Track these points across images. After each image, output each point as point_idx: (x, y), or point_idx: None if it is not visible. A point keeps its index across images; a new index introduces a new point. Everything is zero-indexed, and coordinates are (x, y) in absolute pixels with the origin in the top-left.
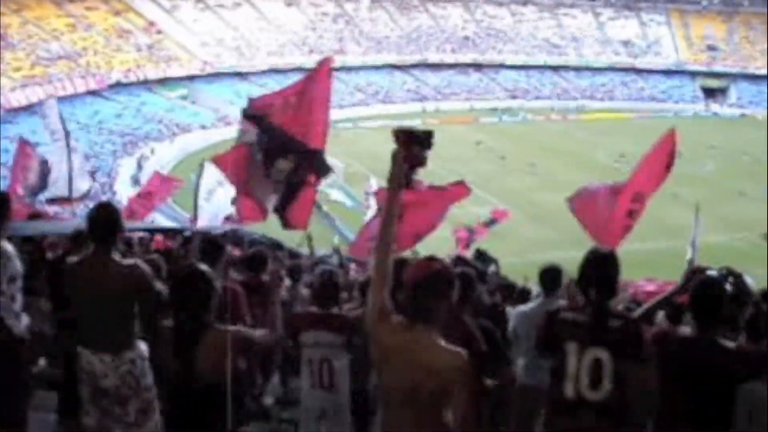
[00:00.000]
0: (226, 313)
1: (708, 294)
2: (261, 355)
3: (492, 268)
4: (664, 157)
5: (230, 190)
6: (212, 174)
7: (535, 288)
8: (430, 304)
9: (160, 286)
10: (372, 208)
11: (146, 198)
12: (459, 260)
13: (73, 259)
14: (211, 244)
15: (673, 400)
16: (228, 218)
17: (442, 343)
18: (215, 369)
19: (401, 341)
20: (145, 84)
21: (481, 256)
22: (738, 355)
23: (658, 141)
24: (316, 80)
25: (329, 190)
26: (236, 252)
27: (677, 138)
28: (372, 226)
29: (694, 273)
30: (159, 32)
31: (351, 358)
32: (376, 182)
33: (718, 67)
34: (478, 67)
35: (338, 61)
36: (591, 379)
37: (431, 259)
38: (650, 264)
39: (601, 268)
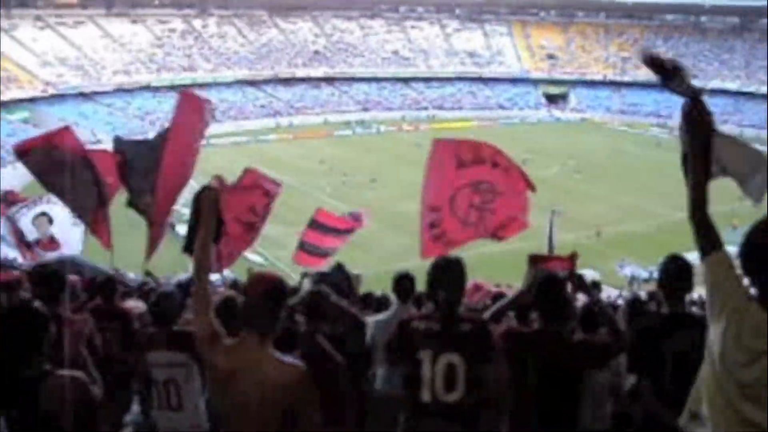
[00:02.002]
0: (78, 348)
1: (550, 290)
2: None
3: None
4: (444, 168)
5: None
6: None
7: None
8: (275, 314)
9: None
10: None
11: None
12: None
13: None
14: (50, 275)
15: (524, 393)
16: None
17: (280, 356)
18: (62, 418)
19: (239, 361)
20: None
21: (341, 268)
22: (581, 347)
23: (432, 154)
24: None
25: (185, 210)
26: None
27: (460, 145)
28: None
29: (537, 273)
30: None
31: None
32: None
33: (558, 75)
34: (329, 80)
35: (188, 78)
36: (446, 383)
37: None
38: (507, 265)
39: (447, 274)
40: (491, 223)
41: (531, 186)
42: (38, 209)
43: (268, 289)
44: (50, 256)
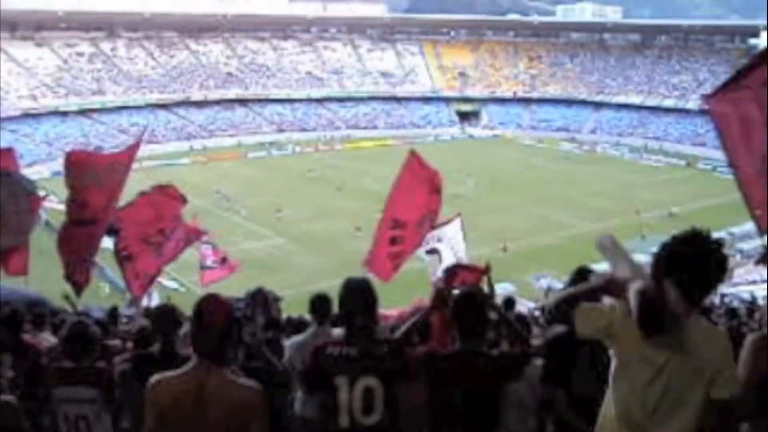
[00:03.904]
0: None
1: (467, 308)
2: None
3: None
4: (417, 182)
5: None
6: None
7: None
8: (232, 338)
9: None
10: None
11: None
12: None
13: None
14: None
15: (446, 413)
16: None
17: (235, 377)
18: None
19: (190, 390)
20: None
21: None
22: (499, 360)
23: (403, 167)
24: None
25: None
26: None
27: (427, 161)
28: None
29: (442, 292)
30: None
31: (114, 414)
32: None
33: (469, 93)
34: (243, 102)
35: (97, 102)
36: (364, 407)
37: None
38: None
39: (358, 297)
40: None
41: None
42: None
43: (227, 314)
44: None
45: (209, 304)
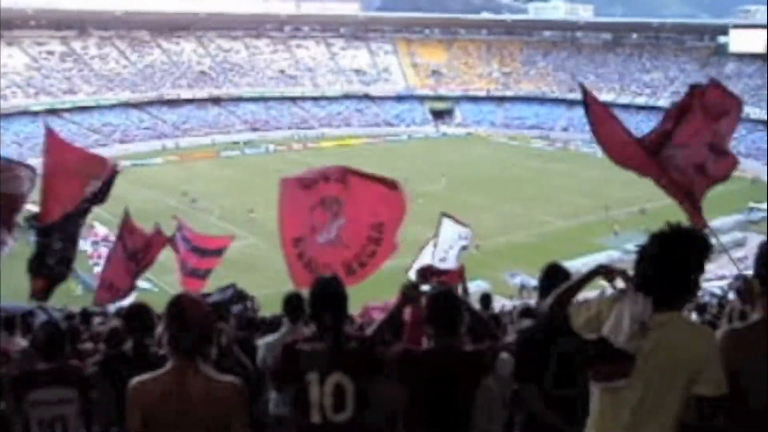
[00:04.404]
0: None
1: (441, 305)
2: None
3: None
4: (296, 196)
5: None
6: None
7: None
8: (211, 334)
9: None
10: (102, 256)
11: None
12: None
13: None
14: None
15: (421, 411)
16: None
17: (214, 374)
18: None
19: (173, 389)
20: None
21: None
22: (472, 356)
23: (279, 195)
24: None
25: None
26: None
27: (303, 174)
28: (107, 272)
29: (408, 288)
30: None
31: (87, 414)
32: (103, 228)
33: (443, 91)
34: (216, 101)
35: (68, 101)
36: (335, 403)
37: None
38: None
39: (329, 294)
40: (353, 241)
41: (401, 202)
42: None
43: (207, 312)
44: None
45: (189, 303)
